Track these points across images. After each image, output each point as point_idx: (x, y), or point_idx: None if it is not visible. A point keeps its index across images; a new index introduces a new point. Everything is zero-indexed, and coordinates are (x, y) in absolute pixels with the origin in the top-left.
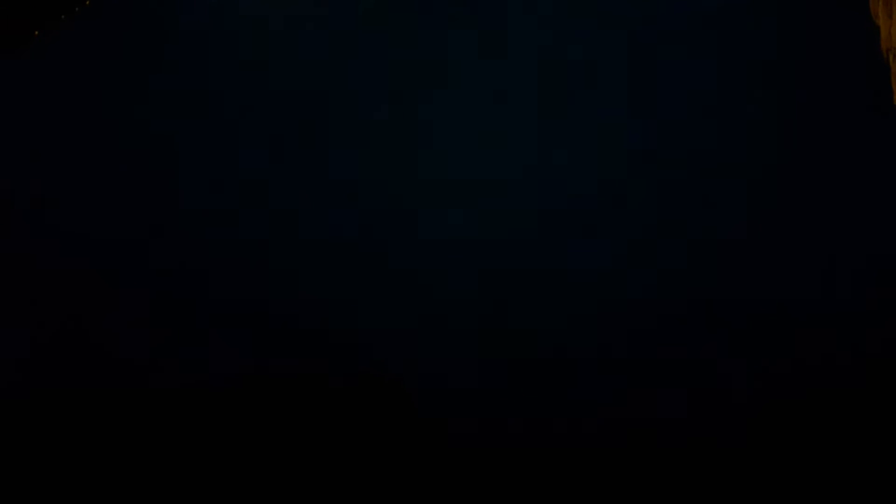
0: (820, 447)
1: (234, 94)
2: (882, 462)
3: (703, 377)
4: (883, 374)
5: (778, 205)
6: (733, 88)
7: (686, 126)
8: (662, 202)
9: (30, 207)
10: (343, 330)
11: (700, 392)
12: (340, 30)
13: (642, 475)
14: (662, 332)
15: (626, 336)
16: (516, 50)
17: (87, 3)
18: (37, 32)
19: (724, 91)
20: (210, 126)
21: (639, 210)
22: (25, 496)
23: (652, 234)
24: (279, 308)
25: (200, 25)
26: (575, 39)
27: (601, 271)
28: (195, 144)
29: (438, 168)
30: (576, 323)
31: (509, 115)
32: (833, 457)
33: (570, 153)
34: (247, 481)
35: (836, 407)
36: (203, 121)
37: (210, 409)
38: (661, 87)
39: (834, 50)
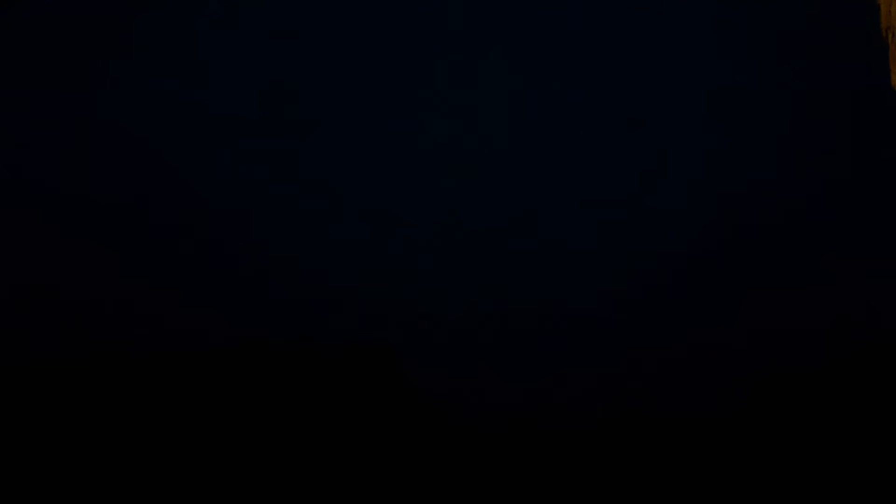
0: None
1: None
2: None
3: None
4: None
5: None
6: (732, 61)
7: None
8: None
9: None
10: (338, 301)
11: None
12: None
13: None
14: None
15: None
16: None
17: None
18: None
19: (719, 62)
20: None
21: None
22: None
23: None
24: (277, 279)
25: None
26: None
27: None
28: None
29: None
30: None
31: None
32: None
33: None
34: (245, 436)
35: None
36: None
37: (208, 371)
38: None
39: (834, 27)
